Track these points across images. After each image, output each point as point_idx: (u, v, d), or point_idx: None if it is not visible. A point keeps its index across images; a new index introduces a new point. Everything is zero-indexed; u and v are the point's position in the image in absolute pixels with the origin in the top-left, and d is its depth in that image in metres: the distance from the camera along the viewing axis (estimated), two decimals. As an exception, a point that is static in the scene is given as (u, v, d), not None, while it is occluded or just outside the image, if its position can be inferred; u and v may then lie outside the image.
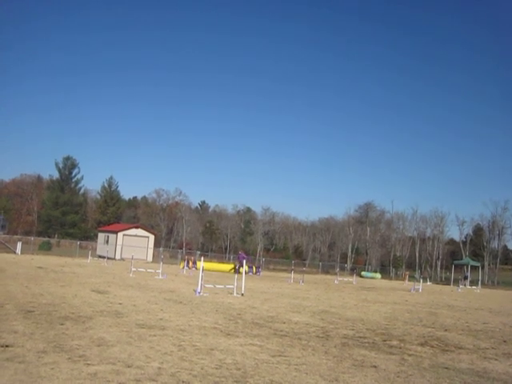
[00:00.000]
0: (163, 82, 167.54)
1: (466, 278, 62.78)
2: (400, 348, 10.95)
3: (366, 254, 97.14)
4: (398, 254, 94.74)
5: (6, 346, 8.09)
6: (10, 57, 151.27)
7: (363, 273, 70.26)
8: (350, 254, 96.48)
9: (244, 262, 41.17)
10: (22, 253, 44.33)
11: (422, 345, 11.66)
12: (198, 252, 72.17)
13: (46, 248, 56.05)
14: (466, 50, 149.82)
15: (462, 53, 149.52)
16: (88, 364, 7.37)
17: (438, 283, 69.91)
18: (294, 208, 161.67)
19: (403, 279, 60.61)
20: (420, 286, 39.81)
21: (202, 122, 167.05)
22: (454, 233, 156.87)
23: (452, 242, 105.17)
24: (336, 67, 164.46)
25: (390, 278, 70.29)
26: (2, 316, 11.07)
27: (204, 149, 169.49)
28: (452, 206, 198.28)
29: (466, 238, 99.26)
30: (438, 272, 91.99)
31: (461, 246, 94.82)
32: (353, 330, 13.46)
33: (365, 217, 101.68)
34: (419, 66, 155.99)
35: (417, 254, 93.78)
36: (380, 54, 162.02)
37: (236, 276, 22.33)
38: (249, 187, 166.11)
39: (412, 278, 59.52)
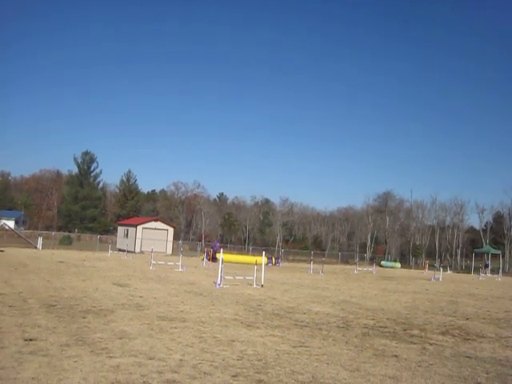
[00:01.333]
0: (181, 74, 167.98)
1: (486, 266, 62.24)
2: (421, 337, 10.92)
3: (386, 243, 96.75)
4: (417, 243, 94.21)
5: (30, 340, 8.20)
6: (26, 52, 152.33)
7: (383, 262, 69.88)
8: (369, 243, 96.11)
9: (216, 249, 41.59)
10: (43, 248, 44.72)
11: (443, 334, 11.62)
12: (218, 244, 72.43)
13: (66, 242, 56.51)
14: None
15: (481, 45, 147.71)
16: (110, 357, 7.45)
17: (458, 272, 69.42)
18: (312, 198, 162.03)
19: (423, 268, 60.23)
20: (440, 274, 39.56)
21: (219, 113, 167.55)
22: (474, 221, 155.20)
23: (472, 230, 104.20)
24: (347, 59, 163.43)
25: (410, 267, 69.92)
26: (26, 310, 11.21)
27: (222, 141, 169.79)
28: (472, 194, 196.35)
29: (486, 225, 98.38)
30: (458, 260, 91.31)
31: (481, 234, 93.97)
32: (373, 319, 13.45)
33: (384, 206, 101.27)
34: (433, 56, 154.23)
35: (436, 243, 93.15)
36: (394, 46, 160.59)
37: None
38: (267, 178, 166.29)
39: (432, 266, 59.02)
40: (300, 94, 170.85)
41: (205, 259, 41.72)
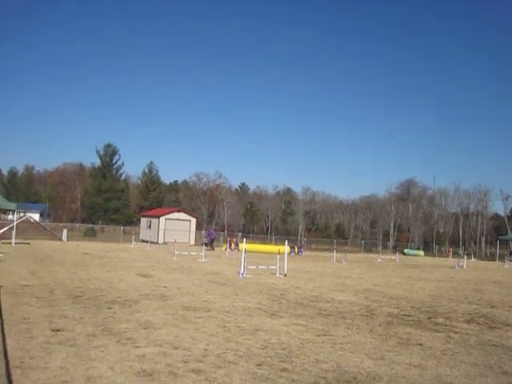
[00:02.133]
0: (202, 65, 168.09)
1: (511, 253, 61.64)
2: (446, 325, 10.88)
3: (409, 231, 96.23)
4: (441, 231, 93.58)
5: (58, 330, 8.32)
6: (41, 44, 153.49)
7: (406, 250, 69.53)
8: (392, 231, 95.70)
9: (213, 238, 41.59)
10: (67, 240, 45.20)
11: (468, 322, 11.56)
12: (240, 234, 72.58)
13: (90, 234, 57.04)
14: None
15: None
16: (136, 346, 7.55)
17: (482, 259, 68.78)
18: (334, 187, 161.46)
19: (447, 256, 59.87)
20: (464, 262, 39.28)
21: (239, 104, 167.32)
22: (499, 207, 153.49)
23: (496, 216, 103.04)
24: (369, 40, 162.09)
25: (434, 255, 69.40)
26: (53, 301, 11.37)
27: (243, 131, 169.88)
28: (496, 180, 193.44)
29: (510, 212, 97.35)
30: (483, 248, 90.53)
31: (506, 220, 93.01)
32: (397, 308, 13.42)
33: (406, 194, 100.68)
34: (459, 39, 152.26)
35: (460, 230, 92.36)
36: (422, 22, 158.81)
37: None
38: (289, 168, 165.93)
39: (456, 254, 58.60)
40: (319, 82, 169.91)
41: (227, 249, 41.84)
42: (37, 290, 12.96)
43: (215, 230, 47.09)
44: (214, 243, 45.01)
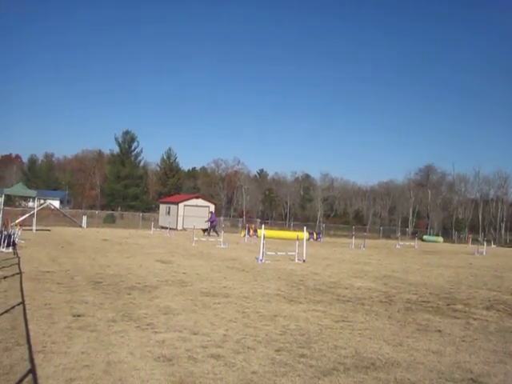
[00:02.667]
0: (218, 54, 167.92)
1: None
2: (465, 312, 10.84)
3: (428, 217, 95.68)
4: (460, 217, 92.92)
5: (78, 316, 8.43)
6: (58, 30, 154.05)
7: (425, 237, 69.19)
8: (411, 217, 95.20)
9: (214, 223, 41.23)
10: (87, 226, 45.49)
11: (487, 309, 11.51)
12: (259, 220, 72.67)
13: (110, 221, 57.32)
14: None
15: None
16: (156, 332, 7.63)
17: (502, 246, 68.25)
18: (353, 173, 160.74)
19: (466, 242, 59.42)
20: (484, 248, 39.02)
21: (257, 91, 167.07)
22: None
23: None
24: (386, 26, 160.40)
25: (453, 242, 68.96)
26: (73, 287, 11.50)
27: (261, 117, 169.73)
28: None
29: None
30: (503, 234, 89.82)
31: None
32: (416, 294, 13.38)
33: (426, 180, 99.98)
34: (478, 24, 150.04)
35: (480, 217, 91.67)
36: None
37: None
38: (307, 154, 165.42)
39: (475, 241, 58.17)
40: (337, 68, 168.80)
41: (246, 235, 41.87)
42: (57, 276, 13.11)
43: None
44: (215, 229, 44.17)
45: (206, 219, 44.93)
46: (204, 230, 43.77)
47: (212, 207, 55.84)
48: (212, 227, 43.44)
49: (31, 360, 5.87)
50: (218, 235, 40.58)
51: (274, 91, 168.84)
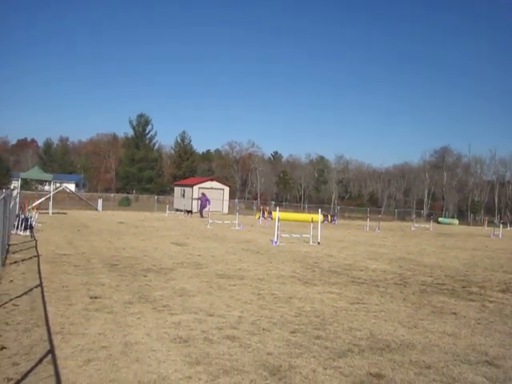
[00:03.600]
0: (233, 39, 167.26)
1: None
2: (480, 295, 10.82)
3: (443, 199, 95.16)
4: (476, 199, 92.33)
5: (95, 298, 8.53)
6: (72, 13, 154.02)
7: (440, 219, 68.88)
8: (426, 200, 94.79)
9: (207, 204, 40.65)
10: (103, 209, 45.71)
11: (503, 291, 11.47)
12: (273, 202, 72.64)
13: (125, 204, 57.55)
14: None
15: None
16: (172, 313, 7.70)
17: (519, 228, 67.80)
18: (367, 155, 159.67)
19: (482, 225, 59.12)
20: (500, 231, 38.81)
21: (271, 74, 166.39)
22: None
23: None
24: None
25: (468, 224, 68.67)
26: (90, 270, 11.61)
27: (274, 99, 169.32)
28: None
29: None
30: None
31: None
32: (431, 276, 13.37)
33: (441, 162, 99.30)
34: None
35: (496, 199, 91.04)
36: None
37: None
38: (321, 136, 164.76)
39: (491, 223, 57.77)
40: (351, 48, 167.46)
41: (261, 217, 41.90)
42: (74, 259, 13.24)
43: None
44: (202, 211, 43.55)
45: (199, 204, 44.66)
46: (188, 212, 43.31)
47: (227, 190, 55.94)
48: (201, 208, 42.99)
49: (50, 341, 5.96)
50: (202, 217, 40.55)
51: (288, 73, 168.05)
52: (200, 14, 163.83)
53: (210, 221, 30.72)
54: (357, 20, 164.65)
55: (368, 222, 38.91)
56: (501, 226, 42.52)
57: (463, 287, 11.75)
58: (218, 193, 53.48)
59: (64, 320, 6.97)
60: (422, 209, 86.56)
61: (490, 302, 10.00)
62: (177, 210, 51.05)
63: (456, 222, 68.92)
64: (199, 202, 44.05)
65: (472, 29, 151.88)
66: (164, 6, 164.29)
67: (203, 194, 44.94)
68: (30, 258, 13.02)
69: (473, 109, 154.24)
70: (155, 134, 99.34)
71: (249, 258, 15.30)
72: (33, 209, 27.27)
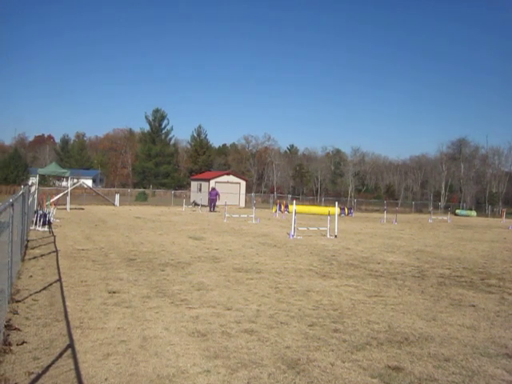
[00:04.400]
0: (249, 32, 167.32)
1: None
2: (499, 287, 10.75)
3: (461, 191, 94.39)
4: (494, 191, 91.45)
5: (114, 292, 8.59)
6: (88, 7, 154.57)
7: (458, 211, 68.26)
8: (443, 191, 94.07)
9: (217, 198, 40.02)
10: (120, 204, 45.89)
11: (522, 283, 11.39)
12: (290, 195, 72.60)
13: (142, 199, 57.73)
14: None
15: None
16: (190, 307, 7.74)
17: (538, 219, 67.15)
18: (384, 147, 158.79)
19: (500, 216, 58.58)
20: (519, 222, 38.49)
21: (287, 68, 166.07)
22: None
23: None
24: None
25: (486, 216, 68.01)
26: (108, 264, 11.69)
27: (290, 92, 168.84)
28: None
29: None
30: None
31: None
32: (449, 269, 13.30)
33: (458, 153, 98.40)
34: None
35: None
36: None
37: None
38: (338, 128, 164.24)
39: (509, 214, 57.28)
40: (368, 43, 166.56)
41: (277, 211, 41.82)
42: (92, 254, 13.34)
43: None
44: (211, 204, 42.81)
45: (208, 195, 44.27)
46: (195, 205, 42.67)
47: (243, 183, 55.99)
48: (211, 202, 42.55)
49: (70, 335, 6.02)
50: (213, 211, 40.36)
51: (304, 66, 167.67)
52: (215, 9, 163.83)
53: (227, 215, 30.76)
54: (371, 15, 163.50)
55: (385, 215, 38.75)
56: (519, 217, 42.13)
57: (482, 279, 11.68)
58: (234, 187, 53.57)
59: (83, 315, 7.04)
60: (440, 201, 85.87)
61: (510, 294, 9.93)
62: (194, 204, 51.17)
63: (474, 213, 68.34)
64: (209, 196, 43.84)
65: (488, 22, 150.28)
66: (178, 2, 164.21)
67: (213, 189, 44.74)
68: (49, 253, 13.14)
69: (490, 100, 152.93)
70: (171, 129, 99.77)
71: (266, 252, 15.31)
72: (51, 204, 27.45)
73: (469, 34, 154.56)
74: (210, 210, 41.47)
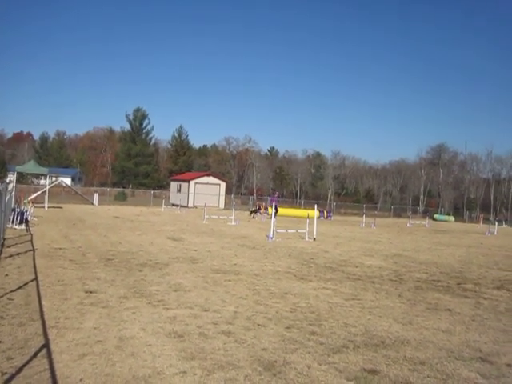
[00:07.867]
0: (231, 35, 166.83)
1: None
2: (475, 291, 10.86)
3: (439, 196, 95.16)
4: (472, 197, 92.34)
5: (90, 292, 8.53)
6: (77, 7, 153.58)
7: (436, 216, 68.81)
8: (422, 196, 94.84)
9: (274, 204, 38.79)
10: (99, 204, 45.65)
11: (497, 288, 11.51)
12: (269, 198, 72.58)
13: (121, 198, 57.45)
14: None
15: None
16: (167, 308, 7.71)
17: (514, 225, 67.93)
18: (364, 151, 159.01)
19: (477, 222, 59.17)
20: (495, 228, 38.86)
21: (268, 69, 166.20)
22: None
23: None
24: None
25: (464, 221, 68.65)
26: (85, 264, 11.61)
27: (272, 94, 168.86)
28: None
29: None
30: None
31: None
32: (426, 273, 13.41)
33: (437, 159, 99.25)
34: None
35: (492, 196, 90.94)
36: None
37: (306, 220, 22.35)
38: (318, 132, 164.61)
39: (487, 220, 57.72)
40: (350, 44, 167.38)
41: (253, 214, 41.13)
42: (70, 253, 13.24)
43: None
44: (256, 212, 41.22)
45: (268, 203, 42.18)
46: (252, 212, 41.24)
47: (223, 185, 56.03)
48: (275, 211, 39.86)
49: (45, 335, 5.97)
50: (254, 218, 38.75)
51: (284, 68, 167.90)
52: (197, 10, 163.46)
53: (206, 216, 30.71)
54: (354, 16, 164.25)
55: (364, 219, 38.92)
56: (496, 223, 42.54)
57: (458, 284, 11.79)
58: (214, 188, 53.57)
59: (59, 314, 6.98)
60: (418, 205, 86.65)
61: (485, 298, 10.04)
62: (173, 204, 51.02)
63: (452, 218, 68.89)
64: (270, 202, 41.80)
65: (469, 25, 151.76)
66: (160, 2, 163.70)
67: (275, 193, 42.06)
68: (26, 252, 13.01)
69: (469, 106, 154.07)
70: (152, 129, 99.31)
71: (244, 254, 15.32)
72: (28, 202, 27.20)
73: (449, 38, 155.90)
74: (255, 216, 39.80)
